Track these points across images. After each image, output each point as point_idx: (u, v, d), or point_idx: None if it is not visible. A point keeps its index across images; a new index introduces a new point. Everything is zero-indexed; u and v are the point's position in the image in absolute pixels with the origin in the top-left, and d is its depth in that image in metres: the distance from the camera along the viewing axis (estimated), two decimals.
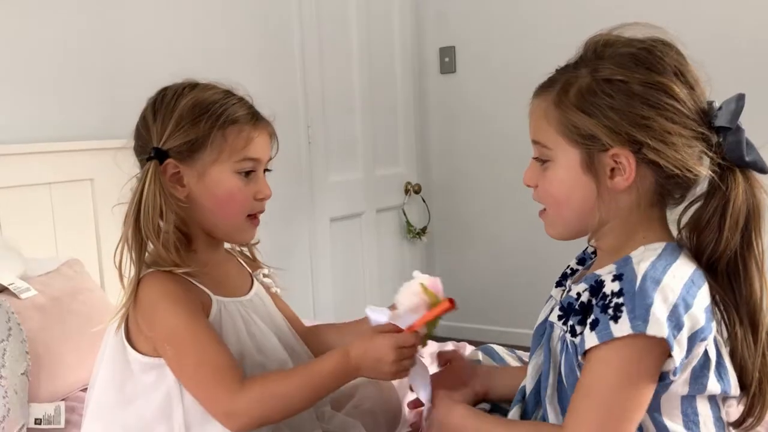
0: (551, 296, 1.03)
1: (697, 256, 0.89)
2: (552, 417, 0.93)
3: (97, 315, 1.63)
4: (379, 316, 1.05)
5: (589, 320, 0.84)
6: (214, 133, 1.05)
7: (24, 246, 1.74)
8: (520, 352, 1.31)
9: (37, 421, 1.38)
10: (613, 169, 0.87)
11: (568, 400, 0.90)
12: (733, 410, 0.94)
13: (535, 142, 0.95)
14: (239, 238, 1.16)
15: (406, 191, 3.44)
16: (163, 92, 1.10)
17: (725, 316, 0.89)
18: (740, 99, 0.86)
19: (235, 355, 1.05)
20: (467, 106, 3.42)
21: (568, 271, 1.06)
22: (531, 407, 0.97)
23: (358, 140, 3.17)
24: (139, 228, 1.02)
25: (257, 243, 1.24)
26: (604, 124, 0.85)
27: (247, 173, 1.09)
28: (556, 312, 0.92)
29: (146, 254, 1.05)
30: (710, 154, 0.85)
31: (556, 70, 0.94)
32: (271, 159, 1.15)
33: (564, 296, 0.94)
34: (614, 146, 0.86)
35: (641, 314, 0.79)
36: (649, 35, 0.88)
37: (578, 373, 0.87)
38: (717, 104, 0.87)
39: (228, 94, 1.11)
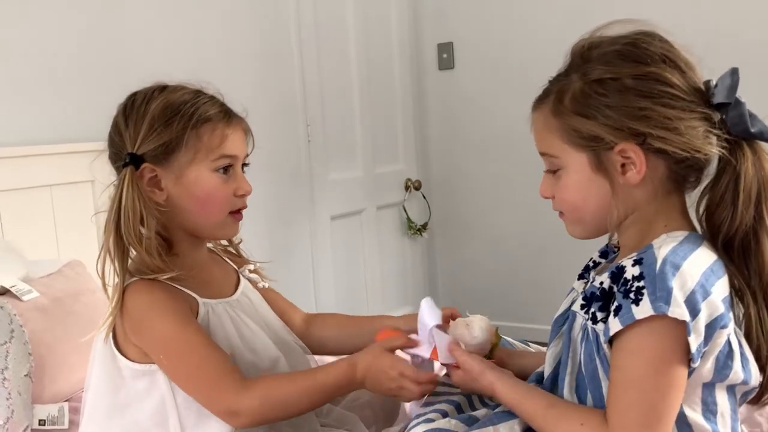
0: (573, 289, 1.04)
1: (713, 237, 0.89)
2: None
3: (99, 316, 1.62)
4: (430, 314, 1.07)
5: (612, 307, 0.84)
6: (187, 134, 1.05)
7: (25, 248, 1.75)
8: (533, 345, 1.31)
9: (41, 422, 1.39)
10: (623, 165, 0.88)
11: (585, 389, 0.90)
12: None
13: (543, 154, 0.96)
14: (222, 234, 1.16)
15: (407, 188, 3.44)
16: (133, 97, 1.09)
17: (740, 297, 0.90)
18: (734, 73, 0.86)
19: None
20: (466, 101, 3.42)
21: (591, 264, 1.07)
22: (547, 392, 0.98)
23: (357, 138, 3.17)
24: (120, 236, 1.02)
25: (240, 242, 1.24)
26: (604, 123, 0.87)
27: (225, 171, 1.09)
28: (579, 302, 0.93)
29: (129, 261, 1.04)
30: (715, 131, 0.86)
31: (549, 81, 0.96)
32: (248, 155, 1.15)
33: (587, 287, 0.95)
34: (619, 142, 0.86)
35: (663, 296, 0.79)
36: (631, 29, 0.90)
37: (597, 362, 0.88)
38: (713, 82, 0.88)
39: (198, 93, 1.10)
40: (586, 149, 0.90)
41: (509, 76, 3.23)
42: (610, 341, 0.84)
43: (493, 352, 1.13)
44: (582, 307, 0.92)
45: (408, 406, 1.09)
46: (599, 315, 0.87)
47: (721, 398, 0.88)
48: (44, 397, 1.46)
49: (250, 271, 1.24)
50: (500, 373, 0.99)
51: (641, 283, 0.81)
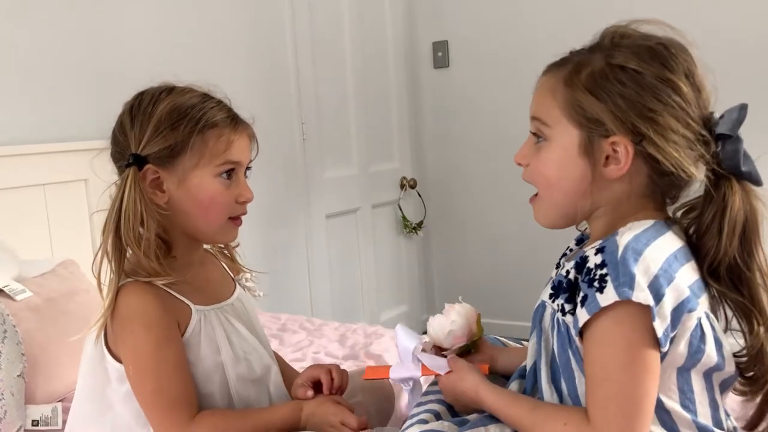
0: (551, 278, 1.03)
1: (699, 261, 0.89)
2: (547, 396, 0.93)
3: (92, 315, 1.62)
4: (409, 338, 1.08)
5: (578, 298, 0.84)
6: (193, 138, 1.04)
7: (19, 247, 1.73)
8: (526, 343, 1.32)
9: (35, 423, 1.38)
10: (608, 157, 0.87)
11: (560, 379, 0.91)
12: (729, 401, 0.94)
13: (534, 118, 0.94)
14: (221, 239, 1.16)
15: (402, 186, 3.44)
16: (140, 97, 1.09)
17: (742, 316, 0.90)
18: (743, 108, 0.87)
19: (214, 367, 1.07)
20: (461, 100, 3.42)
21: (567, 252, 1.06)
22: (529, 386, 0.98)
23: (352, 136, 3.17)
24: (119, 236, 1.01)
25: (237, 246, 1.24)
26: (611, 109, 0.86)
27: (228, 176, 1.09)
28: (547, 290, 0.93)
29: (126, 262, 1.04)
30: (708, 158, 0.86)
31: (570, 52, 0.94)
32: (251, 161, 1.15)
33: (555, 276, 0.95)
34: (617, 134, 0.86)
35: (626, 281, 0.80)
36: (666, 35, 0.89)
37: (570, 353, 0.88)
38: (717, 115, 0.88)
39: (206, 97, 1.10)
40: (582, 128, 0.88)
41: (504, 74, 3.23)
42: (581, 333, 0.84)
43: (476, 345, 1.12)
44: (550, 296, 0.92)
45: (404, 406, 1.09)
46: (567, 306, 0.87)
47: (698, 386, 0.88)
48: (37, 398, 1.45)
49: (246, 280, 1.24)
50: (485, 379, 0.99)
51: (604, 271, 0.82)
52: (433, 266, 3.68)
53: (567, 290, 0.88)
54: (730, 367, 0.89)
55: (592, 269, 0.83)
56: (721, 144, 0.87)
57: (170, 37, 2.34)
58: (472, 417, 0.99)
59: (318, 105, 2.95)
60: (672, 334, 0.83)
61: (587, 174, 0.89)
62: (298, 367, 1.74)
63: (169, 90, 1.08)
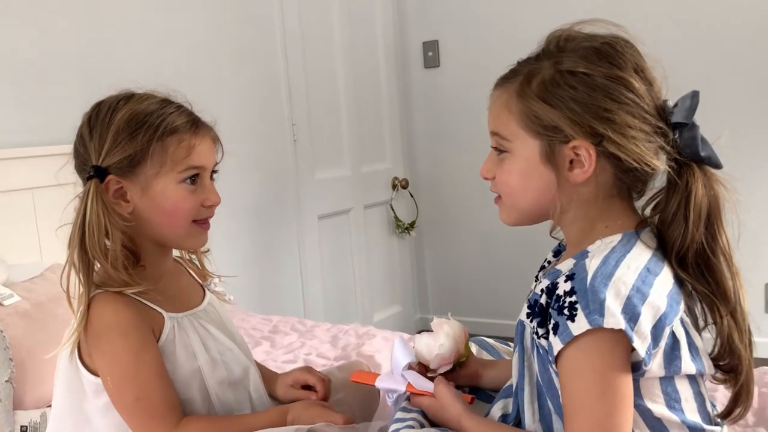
0: (531, 291, 1.03)
1: (666, 251, 0.90)
2: (528, 417, 0.93)
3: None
4: (403, 354, 1.08)
5: (550, 325, 0.84)
6: (153, 146, 1.03)
7: (7, 251, 1.72)
8: (512, 344, 1.31)
9: (23, 429, 1.37)
10: (572, 162, 0.88)
11: (544, 397, 0.90)
12: (719, 395, 0.94)
13: (493, 134, 0.95)
14: (189, 244, 1.14)
15: (394, 186, 3.43)
16: (98, 107, 1.07)
17: (707, 308, 0.90)
18: (695, 96, 0.87)
19: (192, 373, 1.06)
20: (452, 99, 3.42)
21: (546, 264, 1.06)
22: (515, 407, 0.97)
23: (343, 137, 3.16)
24: (85, 249, 1.00)
25: (207, 251, 1.22)
26: (567, 115, 0.86)
27: (193, 181, 1.07)
28: (525, 309, 0.92)
29: (94, 275, 1.03)
30: (668, 148, 0.87)
31: (518, 63, 0.95)
32: (217, 164, 1.13)
33: (531, 293, 0.94)
34: (576, 138, 0.86)
35: (596, 308, 0.80)
36: (610, 32, 0.90)
37: (551, 371, 0.88)
38: (671, 102, 0.89)
39: (165, 102, 1.08)
40: (541, 137, 0.88)
41: (495, 73, 3.20)
42: (556, 359, 0.84)
43: (462, 365, 1.12)
44: (528, 315, 0.91)
45: (389, 402, 1.09)
46: (540, 331, 0.87)
47: (682, 386, 0.88)
48: (26, 403, 1.44)
49: (215, 285, 1.23)
50: (468, 408, 0.99)
51: (573, 298, 0.82)
52: (425, 266, 3.68)
53: (539, 314, 0.87)
54: (710, 370, 0.90)
55: (561, 296, 0.83)
56: (678, 132, 0.87)
57: (159, 38, 2.33)
58: None
59: (308, 106, 2.94)
60: (654, 351, 0.83)
61: (552, 181, 0.89)
62: (291, 368, 1.74)
63: (128, 98, 1.07)
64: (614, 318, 0.79)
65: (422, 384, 1.04)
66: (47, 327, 1.56)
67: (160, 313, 1.06)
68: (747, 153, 2.68)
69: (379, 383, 1.09)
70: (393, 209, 3.43)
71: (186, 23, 2.44)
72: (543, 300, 0.87)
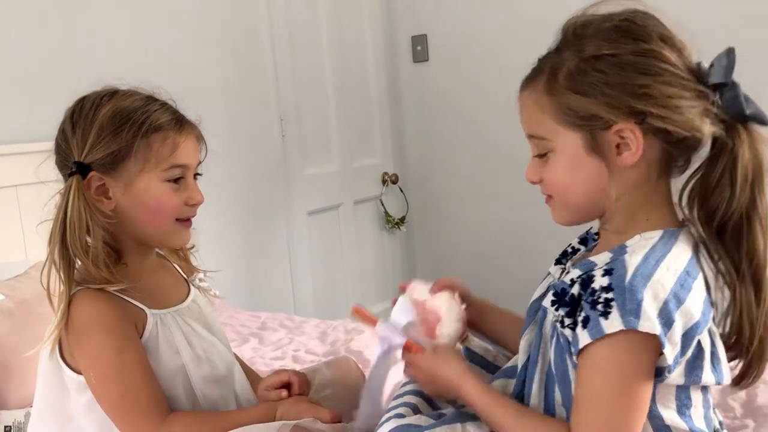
0: (549, 273, 1.01)
1: (707, 221, 0.87)
2: (534, 404, 0.91)
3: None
4: (405, 313, 1.04)
5: (579, 317, 0.82)
6: (137, 143, 1.02)
7: None
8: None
9: (7, 429, 1.36)
10: (618, 146, 0.84)
11: (553, 387, 0.89)
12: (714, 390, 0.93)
13: (531, 137, 0.91)
14: (172, 242, 1.13)
15: (383, 182, 3.42)
16: (81, 102, 1.06)
17: (728, 280, 0.87)
18: (730, 53, 0.84)
19: (176, 369, 1.06)
20: (441, 94, 3.41)
21: (569, 250, 1.03)
22: (517, 389, 0.95)
23: (332, 132, 3.15)
24: (66, 246, 0.99)
25: (192, 247, 1.21)
26: (603, 101, 0.83)
27: (177, 180, 1.06)
28: (549, 297, 0.89)
29: (75, 272, 1.02)
30: (713, 110, 0.83)
31: (539, 60, 0.90)
32: (200, 163, 1.12)
33: (559, 278, 0.92)
34: (617, 121, 0.83)
35: (632, 309, 0.77)
36: (624, 7, 0.87)
37: (569, 364, 0.86)
38: (705, 63, 0.86)
39: (150, 100, 1.07)
40: (581, 129, 0.85)
41: (484, 67, 3.22)
42: (580, 352, 0.82)
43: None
44: (552, 303, 0.88)
45: (376, 355, 1.07)
46: (567, 321, 0.84)
47: (695, 394, 0.87)
48: (10, 403, 1.42)
49: (200, 280, 1.22)
50: (470, 370, 0.96)
51: (610, 295, 0.79)
52: (416, 261, 3.67)
53: (569, 304, 0.84)
54: (727, 381, 0.88)
55: (597, 291, 0.81)
56: (719, 93, 0.84)
57: (144, 33, 2.31)
58: (448, 411, 0.98)
59: (297, 101, 2.92)
60: (682, 359, 0.81)
61: (602, 170, 0.86)
62: (279, 365, 1.73)
63: (111, 94, 1.06)
64: (650, 322, 0.77)
65: (424, 341, 1.01)
66: (31, 326, 1.54)
67: (143, 309, 1.05)
68: None
69: (379, 327, 1.05)
70: (383, 204, 3.42)
71: (172, 18, 2.41)
72: (575, 290, 0.84)
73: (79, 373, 1.02)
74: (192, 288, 1.20)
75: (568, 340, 0.85)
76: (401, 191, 3.50)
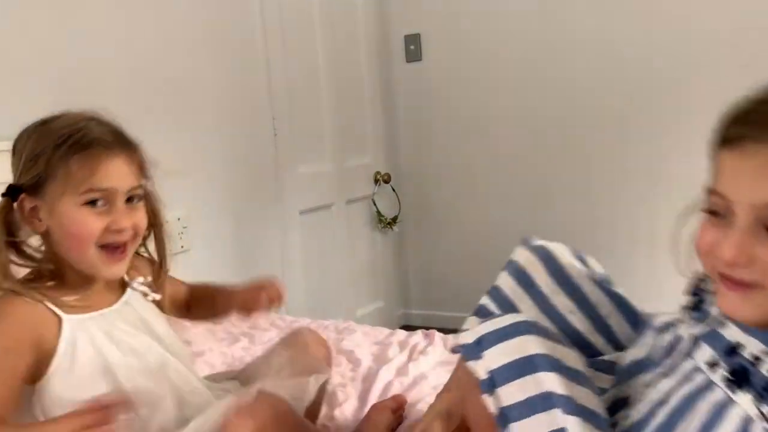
0: (670, 324, 0.86)
1: None
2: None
3: None
4: None
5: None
6: (57, 165, 1.03)
7: None
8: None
9: None
10: None
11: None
12: None
13: (758, 207, 0.69)
14: (100, 273, 1.10)
15: (376, 181, 3.42)
16: (24, 129, 1.10)
17: None
18: None
19: (101, 368, 1.06)
20: (434, 93, 3.41)
21: (690, 308, 0.87)
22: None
23: (325, 131, 3.14)
24: None
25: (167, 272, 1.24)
26: None
27: (94, 204, 1.05)
28: (721, 373, 0.74)
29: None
30: None
31: (757, 103, 0.71)
32: (139, 187, 1.10)
33: (729, 358, 0.74)
34: None
35: None
36: None
37: None
38: None
39: (77, 122, 1.06)
40: None
41: (477, 66, 3.22)
42: None
43: None
44: (730, 383, 0.72)
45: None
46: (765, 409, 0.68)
47: None
48: None
49: (140, 283, 1.21)
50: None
51: None
52: (408, 261, 3.66)
53: (760, 389, 0.69)
54: None
55: None
56: None
57: (134, 30, 2.29)
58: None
59: (289, 100, 2.91)
60: None
61: None
62: None
63: (45, 120, 1.08)
64: None
65: None
66: None
67: (59, 315, 1.06)
68: None
69: None
70: (375, 204, 3.41)
71: (163, 16, 2.40)
72: (764, 371, 0.69)
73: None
74: (129, 291, 1.19)
75: None
76: (394, 191, 3.49)
